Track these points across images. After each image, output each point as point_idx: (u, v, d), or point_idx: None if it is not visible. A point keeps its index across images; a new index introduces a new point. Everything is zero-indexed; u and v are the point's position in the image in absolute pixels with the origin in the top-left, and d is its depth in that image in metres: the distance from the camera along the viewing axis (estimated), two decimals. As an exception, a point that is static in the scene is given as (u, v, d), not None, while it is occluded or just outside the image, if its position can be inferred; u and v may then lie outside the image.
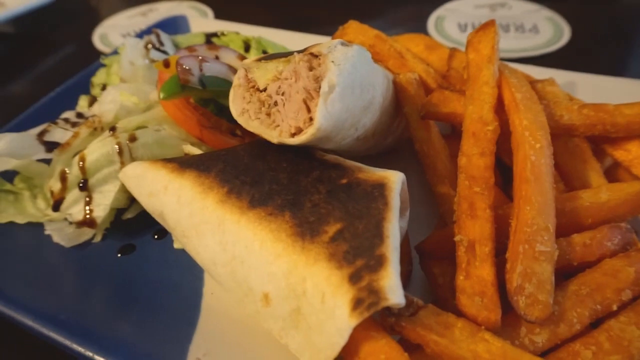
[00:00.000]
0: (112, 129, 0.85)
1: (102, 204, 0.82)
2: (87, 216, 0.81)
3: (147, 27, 1.31)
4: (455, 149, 0.72)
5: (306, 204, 0.60)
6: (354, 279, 0.50)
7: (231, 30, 1.19)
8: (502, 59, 1.03)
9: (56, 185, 0.84)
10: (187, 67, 0.84)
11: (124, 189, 0.81)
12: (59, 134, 0.87)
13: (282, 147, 0.67)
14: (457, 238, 0.61)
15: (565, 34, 1.45)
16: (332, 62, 0.60)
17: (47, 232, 0.83)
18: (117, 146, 0.82)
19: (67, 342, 0.64)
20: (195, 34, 1.19)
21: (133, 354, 0.63)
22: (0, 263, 0.80)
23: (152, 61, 1.02)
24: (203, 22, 1.42)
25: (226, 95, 0.70)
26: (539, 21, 1.53)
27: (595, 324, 0.58)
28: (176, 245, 0.80)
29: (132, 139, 0.84)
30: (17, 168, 0.87)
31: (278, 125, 0.65)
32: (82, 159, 0.82)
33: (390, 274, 0.49)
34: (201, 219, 0.64)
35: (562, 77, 1.01)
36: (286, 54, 0.66)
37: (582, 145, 0.77)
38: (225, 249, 0.61)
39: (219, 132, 0.86)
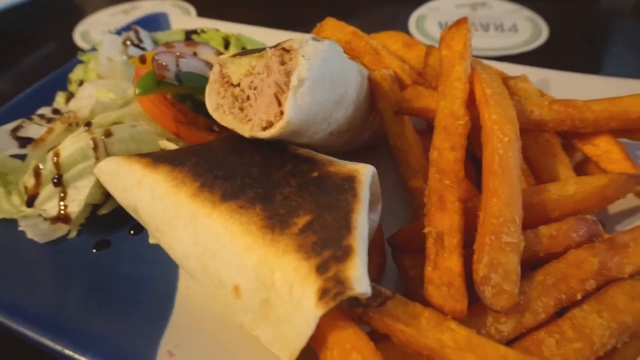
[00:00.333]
0: (88, 124, 0.85)
1: (77, 200, 0.81)
2: (62, 212, 0.81)
3: (127, 24, 1.30)
4: (430, 144, 0.73)
5: (277, 197, 0.60)
6: (321, 269, 0.51)
7: (211, 27, 1.19)
8: (482, 57, 1.05)
9: (30, 181, 0.83)
10: (163, 63, 0.84)
11: (99, 185, 0.80)
12: (33, 129, 0.86)
13: (257, 142, 0.68)
14: (426, 230, 0.61)
15: (544, 34, 1.48)
16: (303, 56, 0.61)
17: (20, 228, 0.83)
18: (92, 141, 0.82)
19: (36, 336, 0.63)
20: (175, 31, 1.19)
21: (102, 347, 0.63)
22: (-27, 259, 0.79)
23: (131, 58, 1.02)
24: (184, 19, 1.42)
25: (203, 91, 0.70)
26: (519, 21, 1.55)
27: (560, 313, 0.59)
28: (151, 241, 0.80)
29: (108, 134, 0.83)
30: (-10, 164, 0.86)
31: (250, 120, 0.65)
32: (57, 155, 0.81)
33: (356, 264, 0.50)
34: (174, 213, 0.64)
35: (537, 75, 1.04)
36: (260, 50, 0.67)
37: (552, 140, 0.79)
38: (198, 243, 0.61)
39: (195, 128, 0.86)
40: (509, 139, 0.66)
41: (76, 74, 1.09)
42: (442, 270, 0.58)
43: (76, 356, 0.62)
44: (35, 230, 0.82)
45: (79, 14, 1.81)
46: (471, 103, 0.73)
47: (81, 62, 1.12)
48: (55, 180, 0.82)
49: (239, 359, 0.63)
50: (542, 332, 0.56)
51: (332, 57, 0.64)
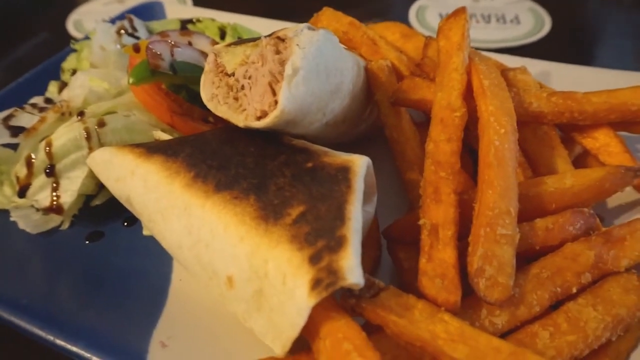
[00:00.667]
0: (80, 114, 0.84)
1: (70, 190, 0.80)
2: (54, 202, 0.80)
3: (121, 13, 1.28)
4: (427, 136, 0.72)
5: (271, 187, 0.59)
6: (314, 259, 0.50)
7: (207, 17, 1.18)
8: (483, 49, 1.04)
9: (22, 171, 0.82)
10: (157, 52, 0.83)
11: (92, 175, 0.79)
12: (25, 119, 0.85)
13: (251, 133, 0.67)
14: (421, 222, 0.61)
15: (546, 25, 1.46)
16: (297, 45, 0.60)
17: (12, 219, 0.82)
18: (84, 131, 0.80)
19: (28, 327, 0.63)
20: (170, 20, 1.17)
21: (94, 338, 0.63)
22: (-36, 250, 0.78)
23: (124, 47, 1.00)
24: (179, 8, 1.40)
25: (198, 81, 0.69)
26: (521, 12, 1.53)
27: (555, 306, 0.59)
28: (145, 232, 0.79)
29: (101, 124, 0.82)
30: (-18, 154, 0.85)
31: (245, 109, 0.64)
32: (49, 144, 0.80)
33: (349, 255, 0.50)
34: (167, 204, 0.64)
35: (536, 67, 1.02)
36: (255, 39, 0.65)
37: (550, 132, 0.78)
38: (191, 233, 0.61)
39: (190, 119, 0.85)
40: (505, 131, 0.65)
41: (69, 63, 1.07)
42: (436, 262, 0.57)
43: (68, 346, 0.62)
44: (28, 221, 0.81)
45: (72, 3, 1.78)
46: (468, 95, 0.72)
47: (74, 51, 1.10)
48: (47, 171, 0.81)
49: (232, 350, 0.62)
50: (536, 325, 0.56)
51: (326, 46, 0.63)
